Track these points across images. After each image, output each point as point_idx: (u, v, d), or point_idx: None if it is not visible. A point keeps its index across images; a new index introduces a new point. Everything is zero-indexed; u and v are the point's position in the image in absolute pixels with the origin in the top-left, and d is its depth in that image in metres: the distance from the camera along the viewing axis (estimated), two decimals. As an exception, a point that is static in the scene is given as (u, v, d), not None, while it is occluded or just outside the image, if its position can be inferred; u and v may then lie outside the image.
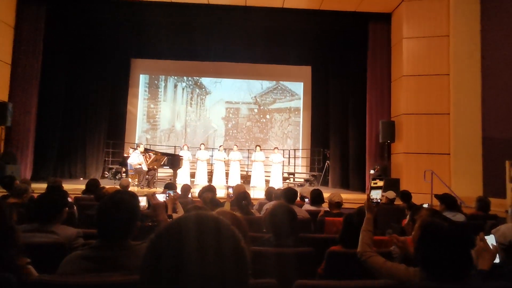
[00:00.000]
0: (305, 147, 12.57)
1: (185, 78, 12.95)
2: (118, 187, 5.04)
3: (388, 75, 9.32)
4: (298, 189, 4.89)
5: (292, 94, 13.00)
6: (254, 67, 12.46)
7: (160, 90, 12.84)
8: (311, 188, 4.78)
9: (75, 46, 10.42)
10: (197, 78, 12.99)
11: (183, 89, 12.98)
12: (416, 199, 5.22)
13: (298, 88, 12.99)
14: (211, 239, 0.65)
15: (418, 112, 8.44)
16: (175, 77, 12.90)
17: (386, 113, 9.23)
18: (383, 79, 9.33)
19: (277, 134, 12.97)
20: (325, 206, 4.39)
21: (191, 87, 13.00)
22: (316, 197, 4.39)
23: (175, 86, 12.94)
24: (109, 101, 11.27)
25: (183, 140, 12.57)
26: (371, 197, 2.39)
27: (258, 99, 13.08)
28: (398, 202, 5.24)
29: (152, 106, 12.76)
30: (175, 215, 3.01)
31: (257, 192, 8.58)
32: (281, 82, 12.98)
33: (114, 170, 10.64)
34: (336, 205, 3.89)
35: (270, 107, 13.08)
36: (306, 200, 4.65)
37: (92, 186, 4.71)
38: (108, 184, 5.94)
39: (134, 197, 1.72)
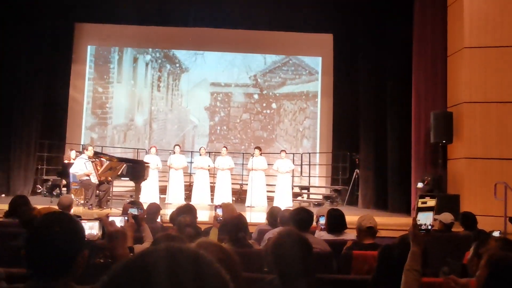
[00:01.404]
0: (325, 150, 12.58)
1: (150, 50, 12.93)
2: (56, 207, 5.02)
3: (443, 48, 9.32)
4: (315, 210, 4.88)
5: (311, 72, 13.03)
6: (251, 35, 12.48)
7: (112, 66, 12.77)
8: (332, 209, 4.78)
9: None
10: (168, 50, 12.97)
11: (146, 64, 12.94)
12: (483, 224, 5.21)
13: (316, 65, 13.02)
14: (187, 284, 0.65)
15: (487, 100, 8.43)
16: (135, 49, 12.86)
17: (440, 102, 9.23)
18: (436, 54, 9.33)
19: (287, 132, 12.94)
20: (349, 233, 4.39)
21: (159, 61, 12.97)
22: (334, 221, 4.35)
23: (135, 60, 12.89)
24: (45, 85, 11.26)
25: (146, 140, 12.57)
26: (419, 223, 2.39)
27: (259, 80, 13.00)
28: (457, 228, 5.23)
29: (100, 90, 12.73)
30: (139, 247, 3.01)
31: (255, 214, 8.57)
32: (293, 55, 12.99)
33: (50, 183, 10.62)
34: (368, 232, 3.89)
35: (278, 92, 13.05)
36: (322, 221, 4.62)
37: (18, 206, 4.70)
38: (42, 203, 5.94)
39: (73, 221, 1.72)
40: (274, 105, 12.99)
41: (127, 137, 12.69)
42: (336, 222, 4.37)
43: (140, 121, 12.84)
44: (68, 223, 1.63)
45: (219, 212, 4.00)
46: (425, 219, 2.44)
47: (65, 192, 9.58)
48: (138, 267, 0.67)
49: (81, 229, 1.70)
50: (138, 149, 12.13)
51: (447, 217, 5.10)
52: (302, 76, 13.03)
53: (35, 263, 1.56)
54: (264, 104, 13.00)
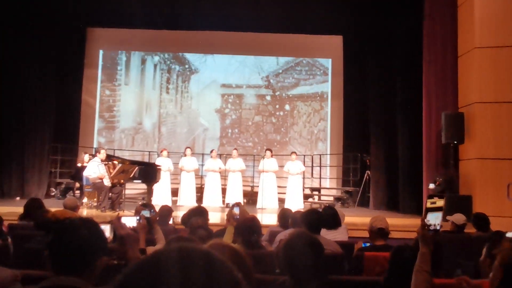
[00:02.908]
0: (335, 152, 12.55)
1: (158, 52, 12.90)
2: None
3: (453, 48, 9.26)
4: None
5: (325, 72, 12.95)
6: (260, 38, 12.46)
7: (119, 68, 12.72)
8: (344, 210, 4.77)
9: (6, 12, 10.52)
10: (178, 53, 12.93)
11: (155, 66, 12.84)
12: (495, 225, 5.17)
13: (328, 66, 12.94)
14: (200, 283, 0.65)
15: (498, 100, 8.36)
16: (144, 51, 12.79)
17: (451, 102, 9.18)
18: (446, 54, 9.28)
19: (301, 135, 12.82)
20: (358, 235, 4.37)
21: (168, 63, 12.87)
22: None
23: (143, 61, 12.81)
24: (57, 89, 11.37)
25: (155, 144, 12.49)
26: (427, 223, 2.38)
27: (272, 81, 12.89)
28: (470, 229, 5.19)
29: (107, 93, 12.70)
30: (151, 249, 3.02)
31: (267, 216, 8.58)
32: (302, 57, 12.94)
33: (63, 186, 10.71)
34: (379, 233, 3.87)
35: (291, 93, 12.94)
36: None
37: (33, 209, 4.74)
38: (56, 206, 5.99)
39: (98, 227, 1.83)
40: (287, 107, 12.90)
41: (135, 141, 12.63)
42: (317, 222, 4.24)
43: (148, 125, 12.79)
44: (94, 229, 1.74)
45: (236, 210, 3.97)
46: (434, 219, 2.43)
47: (79, 195, 9.66)
48: (150, 267, 0.68)
49: (104, 236, 1.82)
50: (149, 152, 12.13)
51: (459, 218, 5.07)
52: (316, 77, 12.94)
53: (58, 263, 1.64)
54: (277, 106, 12.91)
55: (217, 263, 0.69)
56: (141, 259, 0.72)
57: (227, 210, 4.20)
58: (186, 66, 12.91)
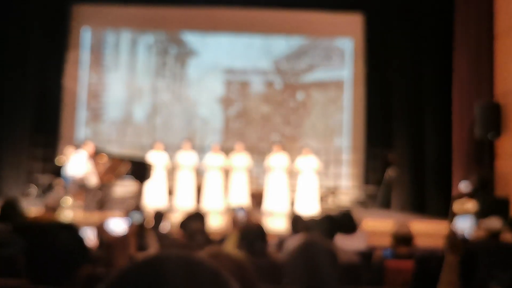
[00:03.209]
0: (354, 146, 12.57)
1: (151, 31, 12.77)
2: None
3: (489, 29, 9.21)
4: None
5: (343, 55, 12.83)
6: (267, 15, 12.36)
7: (106, 50, 12.62)
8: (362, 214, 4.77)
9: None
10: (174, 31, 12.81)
11: (149, 47, 12.69)
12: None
13: (346, 48, 12.84)
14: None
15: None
16: (135, 30, 12.64)
17: (485, 91, 9.13)
18: (481, 36, 9.23)
19: (316, 126, 12.67)
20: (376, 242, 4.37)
21: (163, 43, 12.71)
22: (329, 225, 4.12)
23: (134, 42, 12.67)
24: (37, 74, 11.38)
25: (147, 138, 12.22)
26: (456, 229, 2.38)
27: (282, 65, 12.75)
28: (506, 236, 5.16)
29: (92, 79, 12.61)
30: (142, 256, 3.02)
31: (275, 220, 8.61)
32: (315, 37, 12.82)
33: (45, 184, 10.72)
34: (402, 240, 3.87)
35: (305, 80, 12.77)
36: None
37: (9, 210, 4.75)
38: (36, 207, 6.01)
39: (79, 234, 1.84)
40: (300, 96, 12.77)
41: (124, 134, 12.51)
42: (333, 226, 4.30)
43: (139, 116, 12.71)
44: (75, 233, 1.77)
45: (242, 214, 3.99)
46: (464, 223, 2.40)
47: (62, 194, 9.68)
48: (136, 277, 0.68)
49: (87, 242, 1.86)
50: (141, 146, 12.05)
51: (494, 223, 5.03)
52: (335, 59, 12.80)
53: (36, 271, 1.66)
54: (289, 94, 12.76)
55: (209, 274, 0.69)
56: (134, 262, 0.71)
57: (229, 213, 4.21)
58: (183, 47, 12.78)
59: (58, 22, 11.97)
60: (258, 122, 12.80)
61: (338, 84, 12.79)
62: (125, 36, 12.77)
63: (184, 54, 12.82)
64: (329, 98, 12.80)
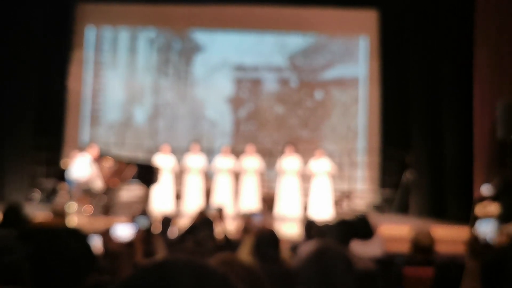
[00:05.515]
0: (370, 148, 12.52)
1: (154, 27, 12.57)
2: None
3: (511, 24, 9.16)
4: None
5: (357, 53, 12.69)
6: (279, 13, 12.27)
7: (104, 47, 12.47)
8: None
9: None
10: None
11: (150, 43, 12.39)
12: None
13: (362, 46, 12.73)
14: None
15: None
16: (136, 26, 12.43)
17: (508, 89, 9.08)
18: (503, 32, 9.18)
19: (335, 129, 12.36)
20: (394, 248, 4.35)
21: (167, 39, 12.44)
22: (344, 231, 4.10)
23: (134, 39, 12.42)
24: (40, 74, 11.41)
25: (149, 142, 12.05)
26: (478, 233, 2.35)
27: (298, 61, 12.42)
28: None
29: (90, 78, 12.43)
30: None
31: (287, 225, 8.60)
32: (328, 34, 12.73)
33: (49, 188, 10.75)
34: (423, 249, 3.84)
35: (322, 78, 12.47)
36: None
37: (13, 215, 4.78)
38: (39, 212, 6.05)
39: (87, 241, 1.84)
40: (317, 95, 12.45)
41: (123, 138, 12.27)
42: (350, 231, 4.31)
43: (140, 118, 12.48)
44: (83, 240, 1.77)
45: (258, 219, 3.99)
46: (486, 228, 2.37)
47: (67, 198, 9.71)
48: (153, 279, 0.68)
49: (94, 250, 1.84)
50: (148, 148, 12.02)
51: (518, 228, 5.00)
52: (355, 55, 12.59)
53: (41, 279, 1.65)
54: (305, 93, 12.44)
55: (217, 280, 0.69)
56: (144, 266, 0.72)
57: (241, 218, 4.21)
58: (189, 43, 12.46)
59: (62, 21, 12.01)
60: (272, 124, 12.45)
61: (351, 83, 12.59)
62: (124, 32, 12.54)
63: (189, 49, 12.47)
64: (352, 97, 12.47)
